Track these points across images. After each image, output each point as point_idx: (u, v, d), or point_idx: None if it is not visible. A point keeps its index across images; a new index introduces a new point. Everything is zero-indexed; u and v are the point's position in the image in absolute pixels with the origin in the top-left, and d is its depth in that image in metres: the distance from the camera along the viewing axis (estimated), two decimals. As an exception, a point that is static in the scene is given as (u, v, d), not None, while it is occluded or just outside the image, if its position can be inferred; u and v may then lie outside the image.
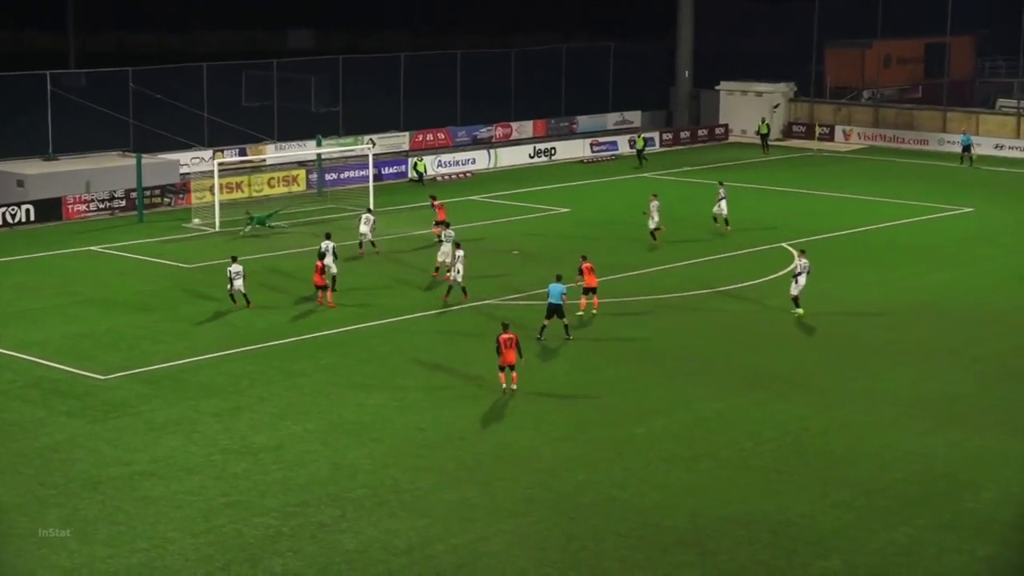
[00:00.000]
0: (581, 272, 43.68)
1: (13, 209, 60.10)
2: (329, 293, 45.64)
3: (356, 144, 74.07)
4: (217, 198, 60.32)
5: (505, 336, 36.39)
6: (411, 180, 72.18)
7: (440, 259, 49.36)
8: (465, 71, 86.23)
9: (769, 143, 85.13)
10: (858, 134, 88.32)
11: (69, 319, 44.70)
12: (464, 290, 45.96)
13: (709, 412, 35.78)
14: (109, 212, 62.77)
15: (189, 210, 62.72)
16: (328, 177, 69.44)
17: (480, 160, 77.21)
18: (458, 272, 45.59)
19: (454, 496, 30.11)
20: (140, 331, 43.27)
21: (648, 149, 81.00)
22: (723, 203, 57.76)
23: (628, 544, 27.75)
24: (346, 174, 70.25)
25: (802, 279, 44.28)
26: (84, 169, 65.10)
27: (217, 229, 58.31)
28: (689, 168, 77.63)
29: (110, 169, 65.44)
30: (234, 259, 45.92)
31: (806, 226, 59.54)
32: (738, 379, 38.47)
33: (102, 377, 38.30)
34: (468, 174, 75.13)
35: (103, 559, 26.83)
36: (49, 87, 69.69)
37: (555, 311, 41.24)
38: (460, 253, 46.06)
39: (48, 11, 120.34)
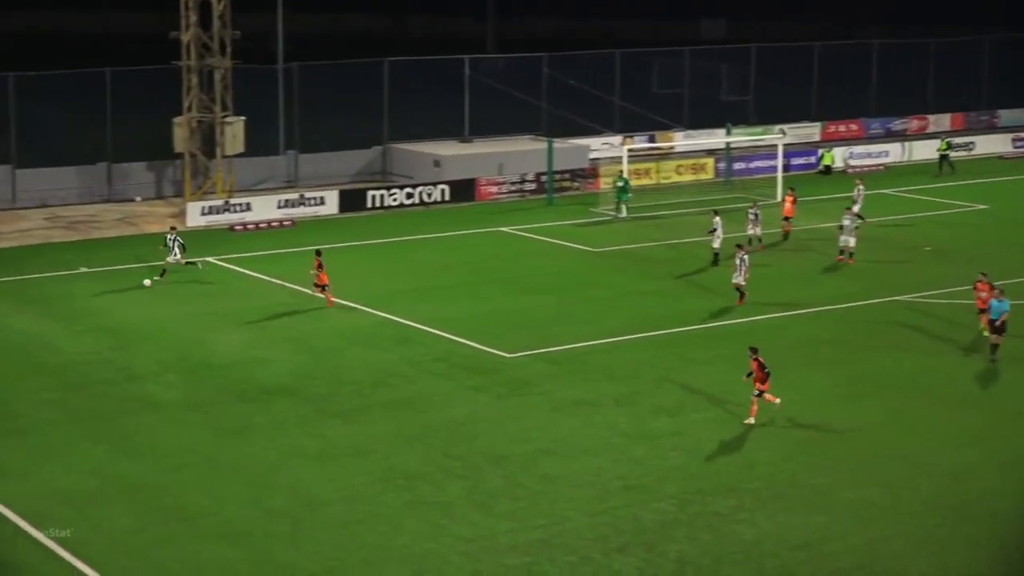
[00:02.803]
0: (976, 287, 41.30)
1: (430, 189, 62.26)
2: (328, 293, 43.94)
3: (766, 133, 73.34)
4: (613, 184, 60.63)
5: (761, 360, 33.72)
6: (818, 172, 70.98)
7: (842, 244, 49.72)
8: (881, 62, 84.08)
9: None
10: None
11: (478, 297, 45.92)
12: (743, 294, 44.28)
13: None
14: (520, 194, 64.19)
15: (597, 195, 63.48)
16: (736, 166, 69.02)
17: (893, 153, 75.19)
18: (742, 275, 43.84)
19: (853, 495, 29.38)
20: (546, 312, 44.05)
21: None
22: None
23: (1039, 557, 26.48)
24: (754, 163, 69.65)
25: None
26: (497, 152, 66.82)
27: (624, 215, 58.75)
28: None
29: (522, 152, 66.93)
30: (173, 228, 47.67)
31: None
32: None
33: (508, 355, 39.13)
34: (881, 167, 73.30)
35: (504, 532, 27.38)
36: (467, 71, 71.73)
37: (996, 328, 38.82)
38: (745, 256, 44.35)
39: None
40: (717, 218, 49.75)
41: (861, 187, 56.34)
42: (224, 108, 59.25)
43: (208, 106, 59.32)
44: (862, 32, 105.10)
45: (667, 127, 74.90)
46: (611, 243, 54.12)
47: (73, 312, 43.54)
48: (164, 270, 46.39)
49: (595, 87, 74.59)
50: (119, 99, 61.62)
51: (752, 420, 33.36)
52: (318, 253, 44.51)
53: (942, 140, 73.19)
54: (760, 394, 33.46)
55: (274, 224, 57.71)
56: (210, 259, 50.71)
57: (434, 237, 55.65)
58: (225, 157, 59.85)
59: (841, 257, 49.76)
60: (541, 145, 65.76)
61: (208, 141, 60.23)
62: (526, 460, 31.16)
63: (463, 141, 69.27)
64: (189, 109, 59.19)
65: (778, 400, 33.68)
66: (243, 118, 59.96)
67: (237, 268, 49.69)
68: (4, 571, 25.62)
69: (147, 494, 29.21)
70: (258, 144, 63.28)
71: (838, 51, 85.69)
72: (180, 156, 60.32)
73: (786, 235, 53.71)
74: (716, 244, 49.05)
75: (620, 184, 59.03)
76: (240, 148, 60.12)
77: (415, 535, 27.23)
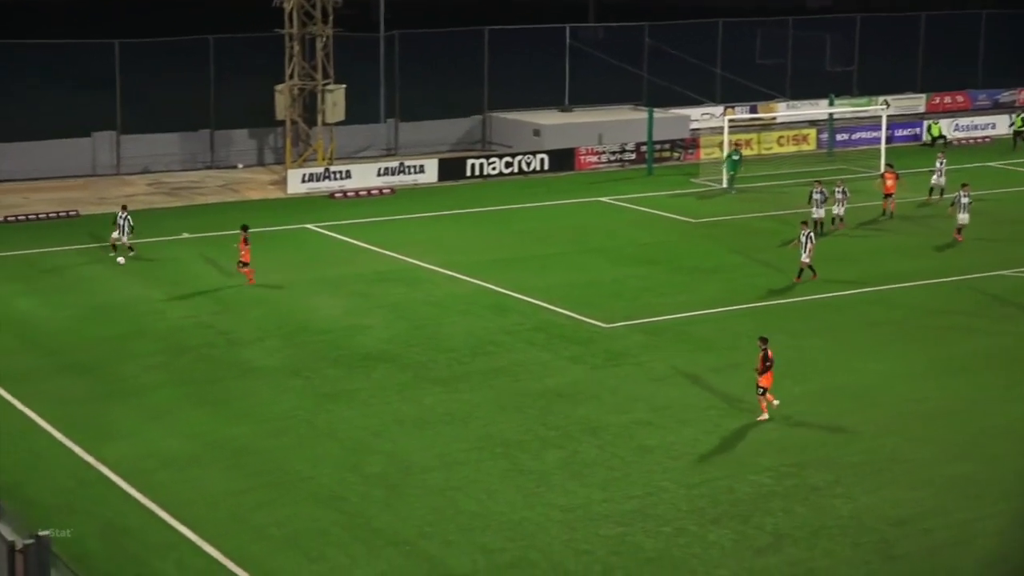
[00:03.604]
0: None
1: (528, 158, 62.24)
2: (249, 271, 42.76)
3: (869, 104, 72.48)
4: (726, 155, 60.28)
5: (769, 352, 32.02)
6: (923, 144, 70.03)
7: (961, 222, 48.63)
8: (989, 32, 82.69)
9: None
10: None
11: (575, 267, 45.88)
12: (812, 269, 43.31)
13: None
14: (619, 164, 63.99)
15: (697, 165, 63.14)
16: (839, 137, 68.29)
17: (1000, 125, 73.98)
18: (807, 253, 42.92)
19: (954, 470, 29.01)
20: (644, 282, 43.93)
21: None
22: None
23: None
24: (857, 135, 68.90)
25: None
26: (597, 121, 66.66)
27: (724, 186, 58.39)
28: None
29: (622, 122, 66.74)
30: (124, 207, 46.76)
31: None
32: None
33: (605, 325, 39.06)
34: (987, 139, 72.21)
35: (598, 502, 27.36)
36: (568, 40, 71.56)
37: None
38: (811, 233, 43.44)
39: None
40: (821, 187, 49.39)
41: (943, 159, 55.58)
42: (325, 76, 59.58)
43: (310, 74, 59.70)
44: (969, 2, 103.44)
45: (769, 97, 74.30)
46: (711, 214, 53.83)
47: (175, 277, 44.10)
48: (114, 245, 46.19)
49: (697, 57, 74.10)
50: (222, 66, 62.24)
51: (765, 416, 31.79)
52: (244, 228, 43.38)
53: (1017, 115, 71.92)
54: (763, 392, 31.85)
55: (373, 192, 58.01)
56: (310, 226, 51.08)
57: (533, 206, 55.65)
58: (326, 125, 60.20)
59: (959, 236, 48.80)
60: (641, 115, 65.50)
61: (309, 109, 60.67)
62: (622, 430, 31.12)
63: (563, 110, 69.17)
64: (291, 76, 59.61)
65: (776, 401, 32.06)
66: (344, 86, 60.25)
67: (336, 235, 50.03)
68: (106, 531, 26.04)
69: (247, 457, 29.55)
70: (358, 112, 63.59)
71: (945, 21, 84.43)
72: (281, 123, 60.81)
73: (887, 212, 52.92)
74: (819, 213, 48.63)
75: (735, 157, 58.54)
76: (341, 116, 60.43)
77: (511, 503, 27.30)
